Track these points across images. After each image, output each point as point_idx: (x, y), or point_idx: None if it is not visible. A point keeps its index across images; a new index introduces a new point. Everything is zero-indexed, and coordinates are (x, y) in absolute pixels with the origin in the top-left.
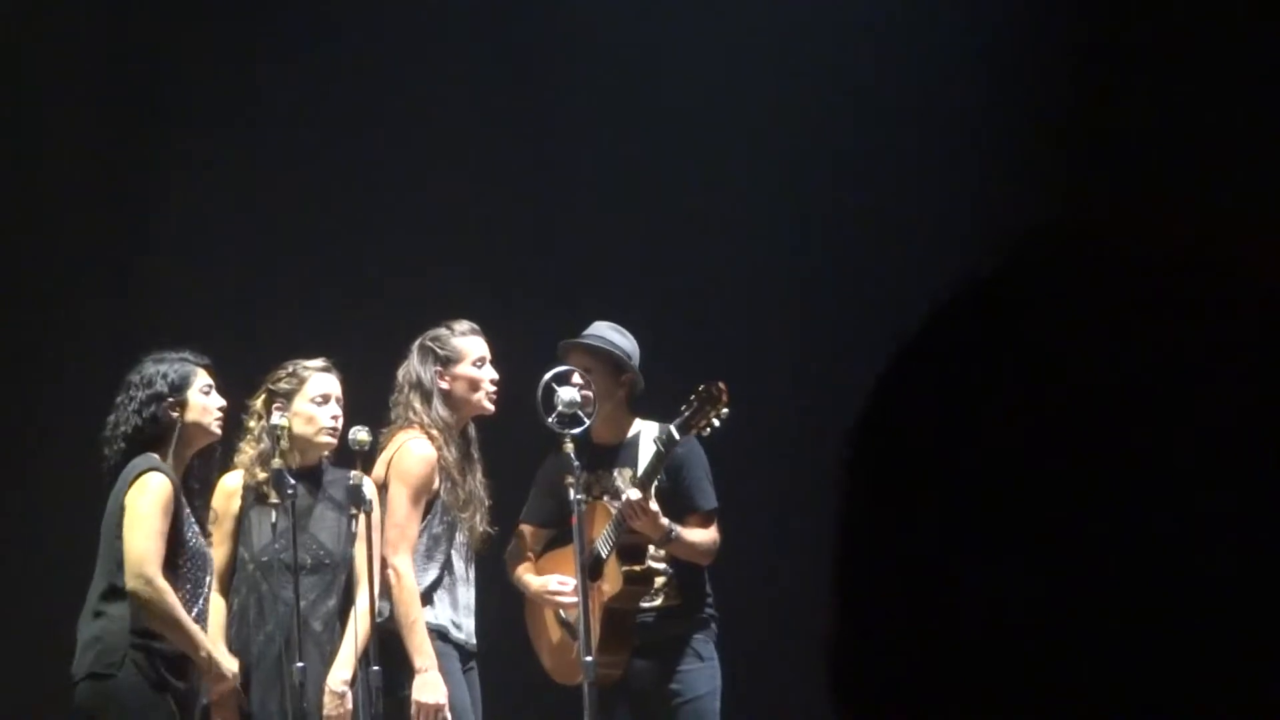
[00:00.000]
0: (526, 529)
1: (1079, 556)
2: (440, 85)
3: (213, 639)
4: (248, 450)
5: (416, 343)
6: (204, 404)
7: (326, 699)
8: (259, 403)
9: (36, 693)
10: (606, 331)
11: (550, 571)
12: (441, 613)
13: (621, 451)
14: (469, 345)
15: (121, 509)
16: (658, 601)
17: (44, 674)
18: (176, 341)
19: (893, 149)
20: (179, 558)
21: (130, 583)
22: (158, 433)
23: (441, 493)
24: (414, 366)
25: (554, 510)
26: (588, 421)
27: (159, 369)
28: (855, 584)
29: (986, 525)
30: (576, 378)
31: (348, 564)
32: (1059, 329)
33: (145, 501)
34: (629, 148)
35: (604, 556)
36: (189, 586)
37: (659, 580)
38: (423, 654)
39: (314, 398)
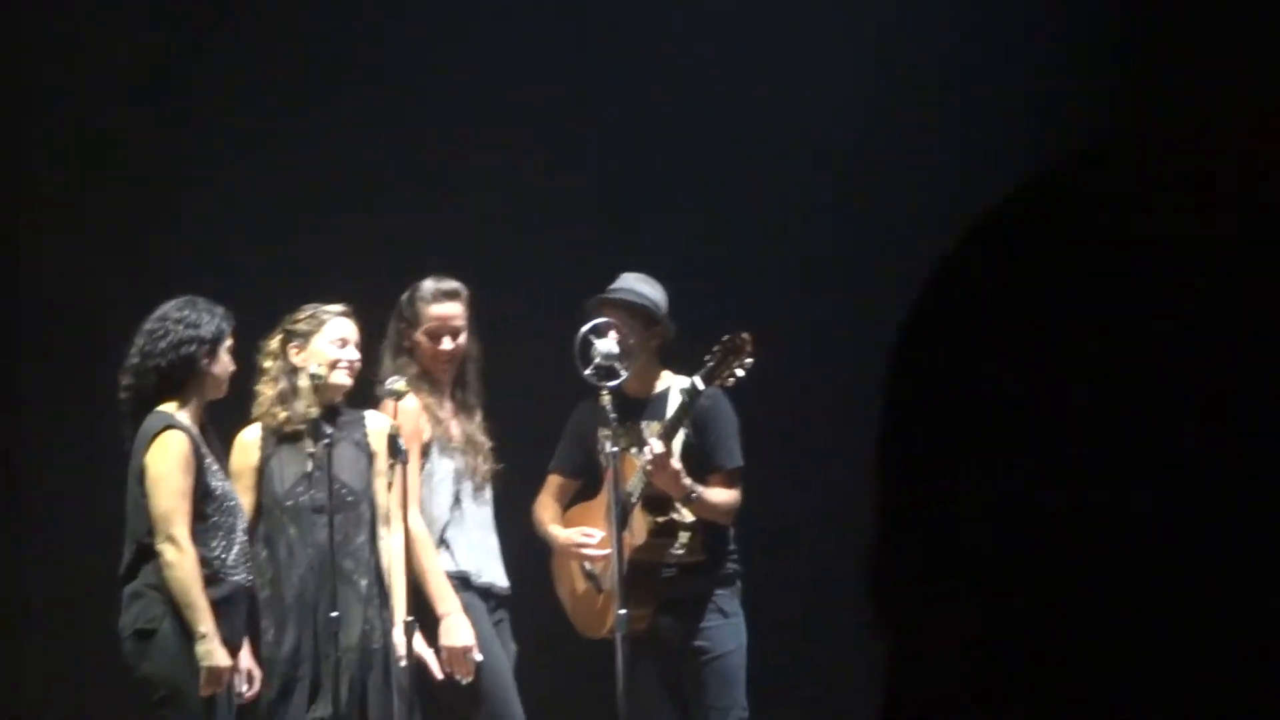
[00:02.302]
0: (555, 479)
1: (1114, 466)
2: (461, 34)
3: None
4: (266, 392)
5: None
6: (226, 363)
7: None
8: (275, 343)
9: (92, 639)
10: (636, 284)
11: (578, 523)
12: (461, 558)
13: (650, 404)
14: (425, 311)
15: (143, 468)
16: (682, 555)
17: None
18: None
19: (922, 99)
20: (207, 507)
21: (158, 543)
22: (187, 376)
23: (435, 440)
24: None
25: (582, 460)
26: (625, 374)
27: (201, 315)
28: (896, 494)
29: (1025, 435)
30: (614, 330)
31: (371, 500)
32: (1104, 243)
33: (164, 461)
34: (657, 95)
35: (630, 507)
36: (221, 534)
37: (684, 535)
38: (443, 599)
39: (333, 340)
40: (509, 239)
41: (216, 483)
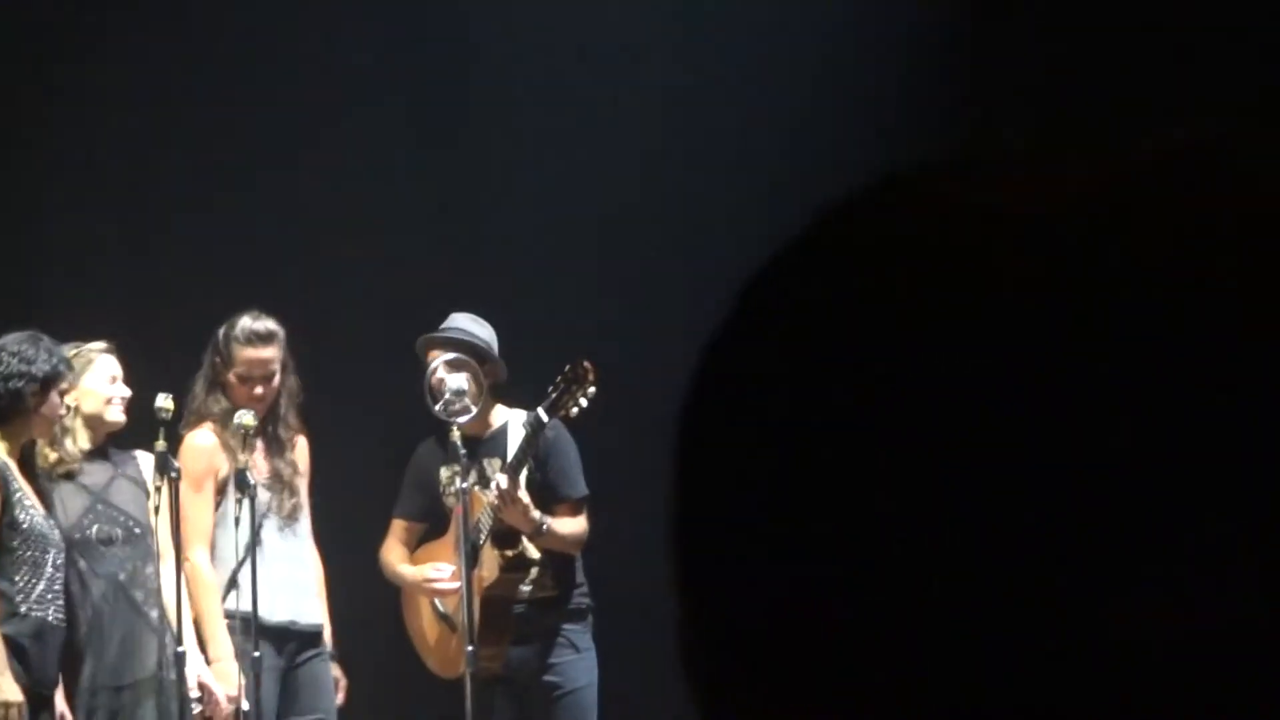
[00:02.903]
0: (399, 523)
1: (919, 534)
2: (295, 68)
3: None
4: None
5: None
6: (56, 405)
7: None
8: None
9: None
10: (465, 323)
11: (427, 562)
12: (249, 595)
13: (489, 442)
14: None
15: None
16: (532, 591)
17: None
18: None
19: (759, 121)
20: (12, 540)
21: None
22: (13, 410)
23: (232, 478)
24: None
25: (426, 503)
26: (474, 410)
27: (39, 351)
28: (690, 563)
29: (819, 501)
30: (464, 368)
31: (152, 533)
32: (903, 287)
33: None
34: (488, 128)
35: (480, 544)
36: (27, 569)
37: (534, 570)
38: (215, 643)
39: (105, 378)
40: (343, 274)
41: (25, 515)
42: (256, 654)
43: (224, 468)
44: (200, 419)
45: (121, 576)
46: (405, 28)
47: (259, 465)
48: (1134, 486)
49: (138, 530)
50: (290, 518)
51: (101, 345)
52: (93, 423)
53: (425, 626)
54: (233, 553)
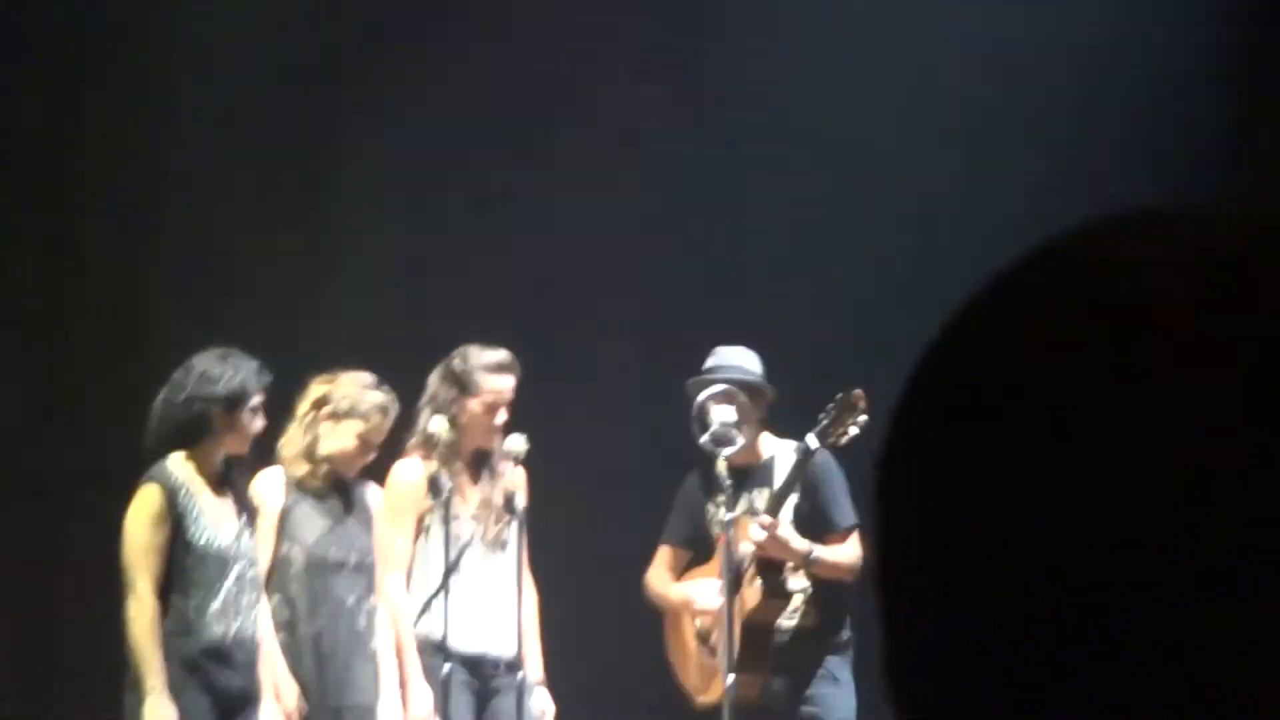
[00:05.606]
0: (666, 550)
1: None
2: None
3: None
4: (294, 442)
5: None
6: (245, 423)
7: None
8: (318, 392)
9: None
10: (738, 358)
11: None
12: (441, 623)
13: (759, 472)
14: (484, 382)
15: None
16: (794, 621)
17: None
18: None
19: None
20: (185, 560)
21: (124, 595)
22: (200, 431)
23: (435, 508)
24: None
25: (692, 531)
26: (741, 441)
27: (225, 371)
28: (897, 604)
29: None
30: (732, 398)
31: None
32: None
33: (133, 515)
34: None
35: (744, 573)
36: (200, 588)
37: (797, 599)
38: (405, 666)
39: (362, 432)
40: (600, 306)
41: (200, 535)
42: (446, 668)
43: (421, 501)
44: (417, 447)
45: (349, 601)
46: (652, 74)
47: (466, 495)
48: None
49: (368, 560)
50: (495, 546)
51: (379, 400)
52: (344, 461)
53: (686, 650)
54: (428, 581)
